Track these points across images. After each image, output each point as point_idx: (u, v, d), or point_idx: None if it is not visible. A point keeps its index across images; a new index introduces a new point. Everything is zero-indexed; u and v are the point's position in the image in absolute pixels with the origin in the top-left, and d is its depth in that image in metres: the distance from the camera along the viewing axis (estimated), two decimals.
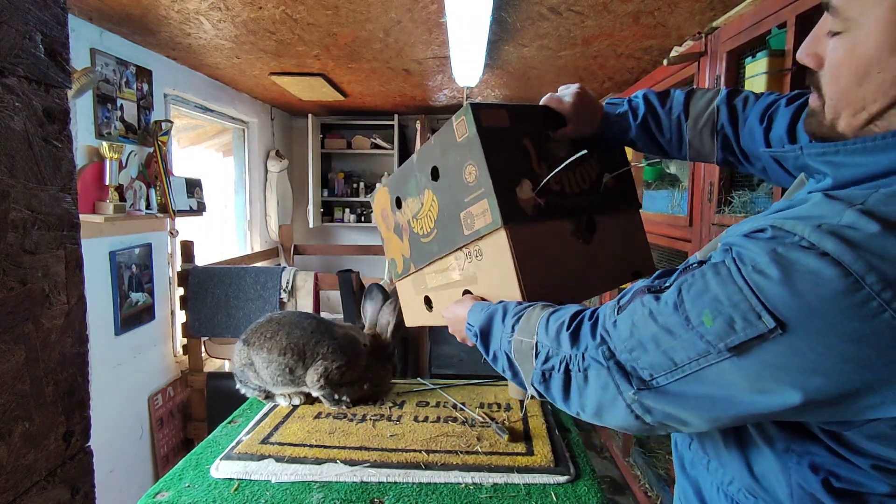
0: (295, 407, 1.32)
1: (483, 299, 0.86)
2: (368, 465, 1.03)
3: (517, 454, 1.07)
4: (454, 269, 0.91)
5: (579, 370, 0.61)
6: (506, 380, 1.49)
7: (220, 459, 1.05)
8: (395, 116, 3.75)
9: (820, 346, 0.43)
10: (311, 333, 1.29)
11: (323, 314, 2.36)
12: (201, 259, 2.71)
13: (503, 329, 0.74)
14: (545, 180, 0.82)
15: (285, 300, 2.55)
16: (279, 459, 1.05)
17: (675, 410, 0.54)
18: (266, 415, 1.28)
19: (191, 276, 2.51)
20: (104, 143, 1.92)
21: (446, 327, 0.92)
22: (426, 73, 2.64)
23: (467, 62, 2.29)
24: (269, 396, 1.37)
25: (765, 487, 0.56)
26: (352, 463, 1.03)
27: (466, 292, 0.90)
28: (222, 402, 2.48)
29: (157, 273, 2.36)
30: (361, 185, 4.02)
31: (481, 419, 1.24)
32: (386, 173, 4.10)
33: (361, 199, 4.01)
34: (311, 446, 1.11)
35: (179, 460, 1.09)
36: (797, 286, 0.43)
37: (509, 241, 0.80)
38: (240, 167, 3.48)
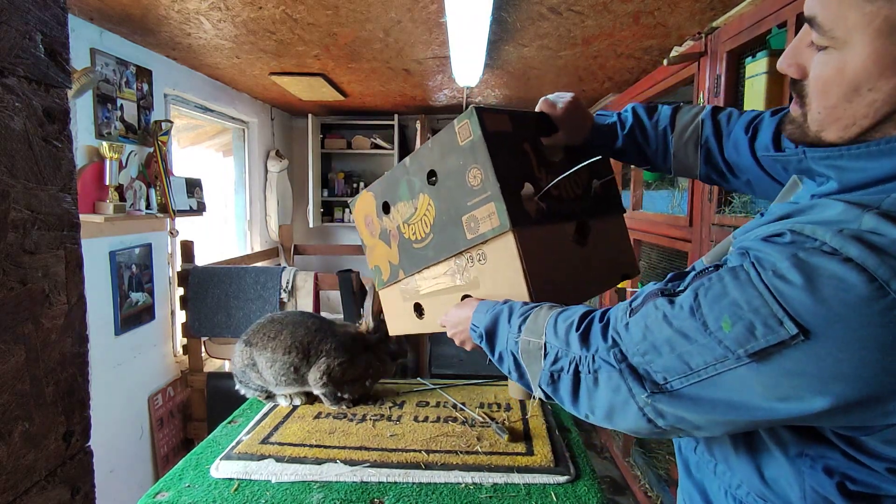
0: (295, 407, 1.32)
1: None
2: (368, 465, 1.03)
3: (517, 454, 1.07)
4: (452, 275, 0.90)
5: (589, 372, 0.60)
6: (506, 380, 1.49)
7: (220, 459, 1.05)
8: (395, 116, 3.75)
9: (842, 352, 0.42)
10: (314, 332, 1.30)
11: (323, 314, 2.36)
12: (201, 259, 2.71)
13: (510, 329, 0.72)
14: (553, 183, 0.84)
15: (285, 300, 2.55)
16: (279, 459, 1.05)
17: (688, 415, 0.53)
18: (266, 415, 1.28)
19: (191, 276, 2.50)
20: (104, 143, 1.92)
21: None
22: (426, 73, 2.64)
23: (467, 62, 2.29)
24: (269, 397, 1.37)
25: (776, 491, 0.56)
26: (352, 463, 1.03)
27: (466, 297, 0.89)
28: (222, 402, 2.48)
29: (157, 273, 2.36)
30: (361, 185, 4.03)
31: (481, 419, 1.24)
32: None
33: None
34: (311, 446, 1.11)
35: (179, 460, 1.09)
36: (821, 292, 0.43)
37: (517, 243, 0.81)
38: (240, 167, 3.48)
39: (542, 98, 0.94)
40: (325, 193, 3.96)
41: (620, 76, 2.64)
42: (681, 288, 0.55)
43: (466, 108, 3.89)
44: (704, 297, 0.50)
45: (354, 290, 2.46)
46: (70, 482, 0.40)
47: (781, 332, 0.44)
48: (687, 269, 0.62)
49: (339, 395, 1.31)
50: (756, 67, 1.34)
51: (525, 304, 0.76)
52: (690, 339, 0.51)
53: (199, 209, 2.55)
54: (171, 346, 2.52)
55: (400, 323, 1.04)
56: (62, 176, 0.39)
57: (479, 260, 0.86)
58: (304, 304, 2.58)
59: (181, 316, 2.56)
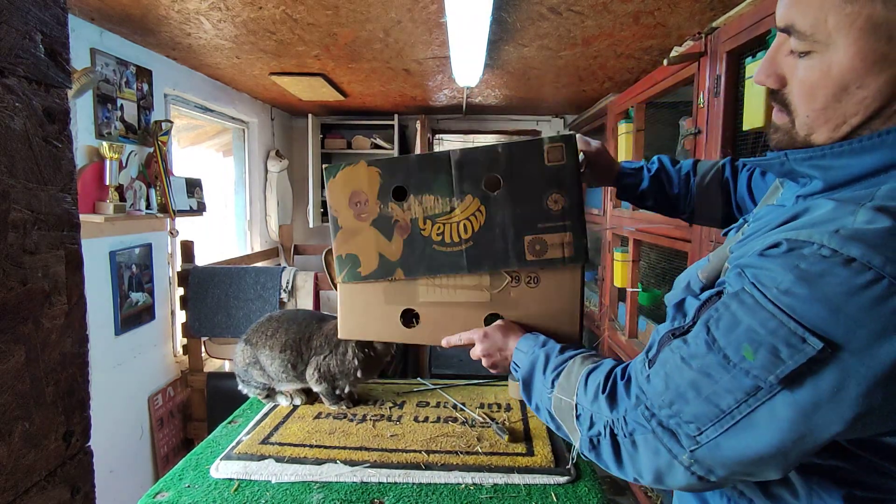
0: (295, 407, 1.32)
1: (524, 327, 0.84)
2: (368, 465, 1.03)
3: (517, 454, 1.07)
4: (482, 289, 0.85)
5: (625, 435, 0.57)
6: (506, 380, 1.49)
7: (220, 459, 1.05)
8: (395, 116, 3.75)
9: (870, 356, 0.41)
10: (305, 328, 1.30)
11: (324, 314, 2.36)
12: (201, 259, 2.70)
13: (544, 382, 0.71)
14: (608, 228, 0.90)
15: (285, 300, 2.55)
16: (279, 460, 1.05)
17: (737, 464, 0.48)
18: (266, 415, 1.28)
19: (191, 276, 2.50)
20: (104, 143, 1.92)
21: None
22: (426, 73, 2.64)
23: (467, 62, 2.29)
24: (268, 396, 1.37)
25: (779, 499, 0.55)
26: (352, 463, 1.03)
27: (494, 316, 0.86)
28: (222, 402, 2.48)
29: (157, 273, 2.36)
30: None
31: (481, 419, 1.24)
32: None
33: None
34: (311, 446, 1.11)
35: (179, 460, 1.09)
36: (832, 300, 0.42)
37: (582, 277, 0.82)
38: (240, 167, 3.48)
39: (579, 136, 0.94)
40: (325, 193, 3.95)
41: (620, 76, 2.64)
42: (688, 322, 0.55)
43: (466, 108, 3.87)
44: (717, 329, 0.49)
45: None
46: (70, 482, 0.40)
47: (807, 349, 0.42)
48: (682, 296, 0.63)
49: (336, 392, 1.31)
50: (756, 67, 1.34)
51: (561, 351, 0.74)
52: (714, 378, 0.48)
53: (199, 209, 2.55)
54: (171, 346, 2.52)
55: (370, 326, 0.92)
56: (62, 176, 0.39)
57: (529, 282, 0.84)
58: (305, 304, 2.58)
59: (181, 316, 2.56)
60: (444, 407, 1.32)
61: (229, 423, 1.29)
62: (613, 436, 0.59)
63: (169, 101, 2.47)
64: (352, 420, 1.24)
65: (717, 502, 0.63)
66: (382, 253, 0.88)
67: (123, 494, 2.13)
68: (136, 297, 2.21)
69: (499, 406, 1.33)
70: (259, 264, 3.27)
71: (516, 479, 0.99)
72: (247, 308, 2.50)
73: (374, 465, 1.03)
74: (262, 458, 1.05)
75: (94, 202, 1.94)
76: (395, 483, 0.99)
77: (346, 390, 1.31)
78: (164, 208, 2.28)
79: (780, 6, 0.51)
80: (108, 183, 1.94)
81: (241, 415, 1.33)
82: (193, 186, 2.53)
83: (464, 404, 1.33)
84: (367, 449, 1.10)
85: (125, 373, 2.17)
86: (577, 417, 0.64)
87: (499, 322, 0.85)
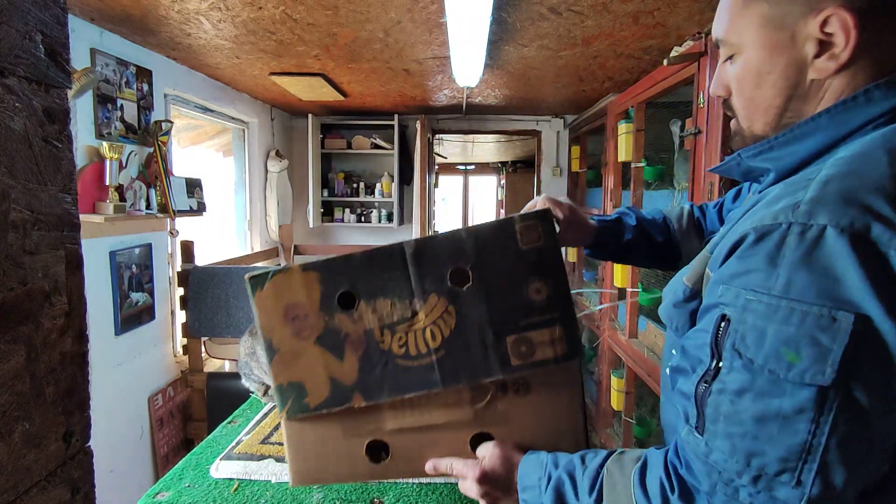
0: None
1: (520, 446, 0.70)
2: None
3: None
4: (462, 405, 0.71)
5: None
6: None
7: (220, 459, 1.05)
8: (395, 116, 3.75)
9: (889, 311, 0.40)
10: None
11: None
12: (201, 259, 2.71)
13: None
14: (593, 310, 0.81)
15: None
16: (279, 459, 1.05)
17: (847, 492, 0.43)
18: (266, 415, 1.28)
19: (191, 276, 2.51)
20: (104, 143, 1.92)
21: None
22: (426, 73, 2.64)
23: (467, 62, 2.29)
24: (266, 393, 1.37)
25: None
26: None
27: (482, 437, 0.72)
28: (222, 402, 2.48)
29: (157, 273, 2.36)
30: (361, 185, 4.03)
31: None
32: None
33: (361, 199, 4.01)
34: None
35: (179, 460, 1.09)
36: (829, 271, 0.42)
37: (580, 374, 0.70)
38: (240, 167, 3.48)
39: (544, 196, 0.86)
40: (325, 193, 3.96)
41: (620, 76, 2.64)
42: (711, 365, 0.49)
43: (466, 108, 3.86)
44: (748, 349, 0.45)
45: None
46: (70, 482, 0.40)
47: (843, 325, 0.40)
48: (672, 306, 0.62)
49: None
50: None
51: (582, 462, 0.61)
52: (774, 404, 0.43)
53: (199, 209, 2.55)
54: (171, 346, 2.52)
55: (328, 468, 0.74)
56: (62, 176, 0.39)
57: (518, 391, 0.70)
58: None
59: (181, 316, 2.56)
60: None
61: (229, 423, 1.29)
62: None
63: (169, 101, 2.47)
64: None
65: None
66: (334, 376, 0.71)
67: (123, 494, 2.13)
68: (136, 297, 2.21)
69: None
70: (259, 264, 3.27)
71: None
72: (247, 308, 2.50)
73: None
74: (262, 457, 1.05)
75: (94, 202, 1.94)
76: (395, 483, 0.99)
77: None
78: (164, 208, 2.28)
79: (713, 26, 0.61)
80: (108, 183, 1.94)
81: (241, 415, 1.33)
82: (193, 186, 2.53)
83: None
84: None
85: (125, 373, 2.17)
86: None
87: (495, 450, 0.69)
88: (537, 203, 0.84)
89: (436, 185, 5.33)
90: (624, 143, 2.29)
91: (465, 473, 0.69)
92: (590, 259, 3.69)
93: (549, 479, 0.61)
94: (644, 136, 2.24)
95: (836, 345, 0.41)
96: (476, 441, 0.72)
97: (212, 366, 2.71)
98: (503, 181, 7.57)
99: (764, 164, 0.56)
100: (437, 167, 5.29)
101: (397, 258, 0.68)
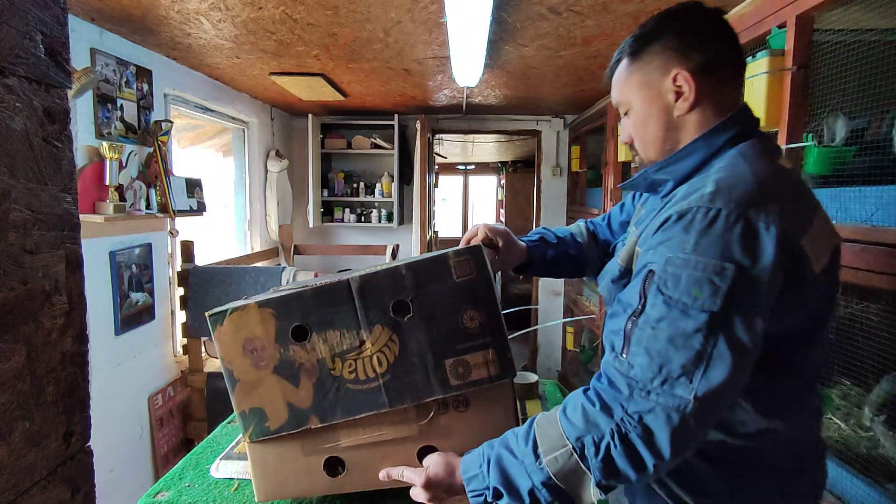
0: None
1: (458, 454, 0.78)
2: None
3: None
4: (409, 423, 0.79)
5: (634, 427, 0.62)
6: None
7: (220, 459, 1.05)
8: (395, 116, 3.75)
9: (760, 265, 0.62)
10: None
11: None
12: (201, 259, 2.71)
13: (524, 464, 0.67)
14: (514, 310, 0.88)
15: None
16: None
17: (722, 393, 0.62)
18: None
19: (191, 276, 2.51)
20: (104, 143, 1.92)
21: None
22: (426, 73, 2.64)
23: (467, 62, 2.29)
24: None
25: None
26: None
27: (427, 448, 0.80)
28: (222, 402, 2.48)
29: (157, 273, 2.36)
30: (361, 185, 4.03)
31: None
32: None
33: (361, 199, 4.01)
34: None
35: (179, 460, 1.09)
36: (719, 238, 0.62)
37: (513, 391, 0.78)
38: (240, 167, 3.48)
39: (483, 226, 1.01)
40: (325, 193, 3.96)
41: None
42: (638, 304, 0.66)
43: (466, 107, 3.86)
44: (668, 289, 0.64)
45: None
46: (70, 482, 0.40)
47: (727, 273, 0.61)
48: (609, 283, 0.82)
49: None
50: (756, 67, 1.34)
51: (513, 432, 0.71)
52: (682, 326, 0.62)
53: (199, 209, 2.55)
54: (171, 346, 2.52)
55: (289, 483, 0.83)
56: (62, 176, 0.39)
57: (458, 407, 0.79)
58: None
59: (181, 316, 2.56)
60: None
61: (229, 422, 1.29)
62: (624, 439, 0.63)
63: (169, 101, 2.47)
64: None
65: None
66: (291, 402, 0.79)
67: (123, 494, 2.13)
68: (136, 297, 2.21)
69: None
70: (259, 264, 3.27)
71: None
72: None
73: None
74: None
75: (94, 202, 1.94)
76: (395, 487, 0.98)
77: None
78: (164, 208, 2.28)
79: (611, 96, 0.85)
80: (108, 183, 1.94)
81: None
82: (193, 186, 2.53)
83: None
84: None
85: (125, 373, 2.17)
86: (582, 457, 0.64)
87: (438, 458, 0.78)
88: (478, 232, 0.99)
89: (436, 185, 5.33)
90: None
91: (413, 480, 0.78)
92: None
93: (489, 460, 0.70)
94: None
95: (723, 285, 0.61)
96: (423, 453, 0.81)
97: (212, 366, 2.71)
98: (503, 181, 7.57)
99: (664, 176, 0.78)
100: (437, 167, 5.29)
101: (344, 293, 0.76)
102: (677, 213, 0.66)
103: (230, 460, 1.05)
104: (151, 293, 2.32)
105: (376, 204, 4.06)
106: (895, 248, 1.01)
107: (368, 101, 3.41)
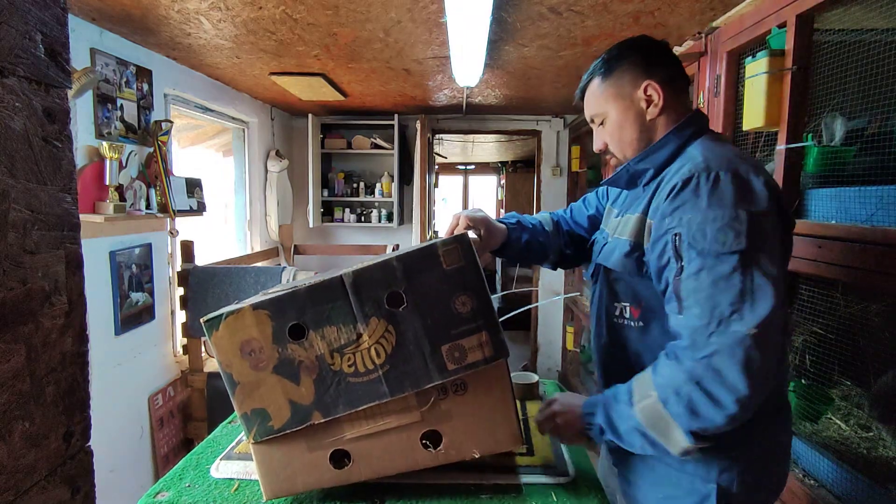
0: None
1: (463, 434, 0.86)
2: None
3: (517, 454, 1.07)
4: (410, 410, 0.82)
5: (706, 370, 0.72)
6: None
7: (221, 459, 1.05)
8: (395, 116, 3.75)
9: (766, 209, 0.76)
10: None
11: None
12: (201, 259, 2.70)
13: (622, 410, 0.83)
14: (515, 313, 0.92)
15: None
16: None
17: (772, 321, 0.71)
18: None
19: (191, 276, 2.50)
20: (104, 143, 1.92)
21: None
22: (426, 73, 2.64)
23: (467, 62, 2.29)
24: None
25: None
26: None
27: (431, 433, 0.83)
28: (222, 402, 2.48)
29: (157, 273, 2.36)
30: (361, 185, 4.03)
31: None
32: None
33: (361, 199, 4.01)
34: None
35: (179, 460, 1.09)
36: (724, 193, 0.76)
37: (507, 370, 0.82)
38: (240, 167, 3.48)
39: (463, 216, 1.07)
40: (325, 193, 3.96)
41: None
42: (677, 267, 0.78)
43: (466, 107, 3.86)
44: (698, 243, 0.75)
45: None
46: (70, 482, 0.40)
47: (741, 217, 0.73)
48: (620, 258, 0.92)
49: None
50: (756, 67, 1.34)
51: (621, 385, 0.86)
52: (720, 271, 0.73)
53: (199, 209, 2.55)
54: (171, 346, 2.52)
55: (297, 479, 0.84)
56: (62, 176, 0.39)
57: (457, 391, 0.81)
58: None
59: (181, 316, 2.56)
60: None
61: (229, 422, 1.29)
62: (698, 383, 0.73)
63: (169, 101, 2.47)
64: None
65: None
66: (293, 399, 0.80)
67: (123, 494, 2.13)
68: (136, 296, 2.21)
69: None
70: (259, 264, 3.27)
71: (516, 478, 0.99)
72: None
73: None
74: None
75: (94, 202, 1.94)
76: (396, 482, 0.99)
77: None
78: (164, 208, 2.28)
79: (585, 111, 1.01)
80: (108, 183, 1.94)
81: None
82: (193, 186, 2.53)
83: None
84: None
85: (125, 373, 2.17)
86: (666, 404, 0.76)
87: (564, 395, 0.98)
88: (459, 222, 1.06)
89: (436, 185, 5.33)
90: None
91: (542, 408, 0.99)
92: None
93: (601, 402, 0.88)
94: None
95: (742, 227, 0.73)
96: (426, 438, 0.84)
97: (212, 366, 2.71)
98: (503, 181, 7.57)
99: (645, 165, 0.91)
100: (437, 167, 5.29)
101: (338, 289, 0.78)
102: (682, 181, 0.78)
103: (230, 460, 1.05)
104: (151, 293, 2.32)
105: (376, 204, 4.06)
106: (895, 248, 1.01)
107: (368, 101, 3.41)
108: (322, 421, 0.81)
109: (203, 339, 2.59)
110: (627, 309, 0.93)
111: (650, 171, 0.91)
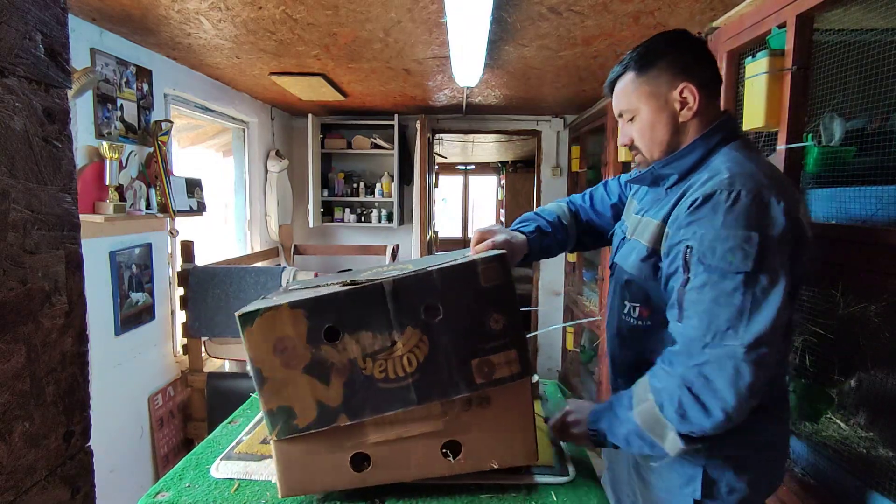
0: None
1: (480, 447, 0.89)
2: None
3: None
4: (434, 419, 0.83)
5: (697, 377, 0.76)
6: None
7: (221, 459, 1.05)
8: (395, 116, 3.75)
9: (778, 233, 0.76)
10: None
11: None
12: (201, 259, 2.70)
13: (621, 415, 0.88)
14: (539, 332, 0.95)
15: None
16: None
17: (767, 339, 0.73)
18: None
19: (191, 276, 2.50)
20: (104, 143, 1.92)
21: None
22: (426, 73, 2.64)
23: (467, 62, 2.29)
24: None
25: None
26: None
27: (451, 442, 0.85)
28: (222, 402, 2.48)
29: (157, 273, 2.36)
30: (361, 185, 4.03)
31: None
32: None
33: (361, 199, 4.01)
34: None
35: (179, 460, 1.09)
36: (742, 213, 0.76)
37: (530, 388, 0.84)
38: (240, 167, 3.48)
39: (502, 238, 1.03)
40: (325, 193, 3.96)
41: None
42: (685, 277, 0.80)
43: (466, 107, 3.86)
44: (707, 258, 0.77)
45: None
46: (70, 482, 0.40)
47: (754, 239, 0.75)
48: (639, 263, 0.94)
49: None
50: (756, 67, 1.34)
51: (623, 392, 0.92)
52: (723, 288, 0.75)
53: (199, 209, 2.55)
54: (171, 346, 2.52)
55: (315, 479, 0.84)
56: (62, 176, 0.39)
57: (481, 404, 0.83)
58: None
59: (181, 316, 2.56)
60: None
61: (229, 422, 1.29)
62: (690, 389, 0.76)
63: (169, 101, 2.47)
64: None
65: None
66: (321, 400, 0.80)
67: (123, 494, 2.13)
68: (136, 297, 2.21)
69: None
70: (259, 264, 3.27)
71: (517, 478, 0.99)
72: None
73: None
74: (262, 457, 1.05)
75: (94, 202, 1.94)
76: (396, 483, 0.99)
77: None
78: (164, 208, 2.28)
79: (613, 104, 0.99)
80: (108, 183, 1.94)
81: (242, 415, 1.33)
82: (193, 186, 2.53)
83: None
84: None
85: (125, 373, 2.17)
86: (661, 408, 0.79)
87: (577, 402, 1.03)
88: (496, 241, 1.01)
89: (436, 185, 5.33)
90: None
91: (556, 415, 1.05)
92: (589, 259, 3.69)
93: (605, 409, 0.94)
94: None
95: (752, 249, 0.75)
96: (445, 448, 0.85)
97: (212, 366, 2.71)
98: (503, 181, 7.56)
99: (670, 171, 0.93)
100: (437, 167, 5.29)
101: (378, 295, 0.78)
102: (703, 196, 0.80)
103: (230, 460, 1.05)
104: (151, 293, 2.32)
105: (376, 204, 4.06)
106: (895, 248, 1.01)
107: (368, 101, 3.41)
108: (347, 423, 0.81)
109: (203, 339, 2.59)
110: (637, 309, 0.97)
111: (674, 176, 0.92)
